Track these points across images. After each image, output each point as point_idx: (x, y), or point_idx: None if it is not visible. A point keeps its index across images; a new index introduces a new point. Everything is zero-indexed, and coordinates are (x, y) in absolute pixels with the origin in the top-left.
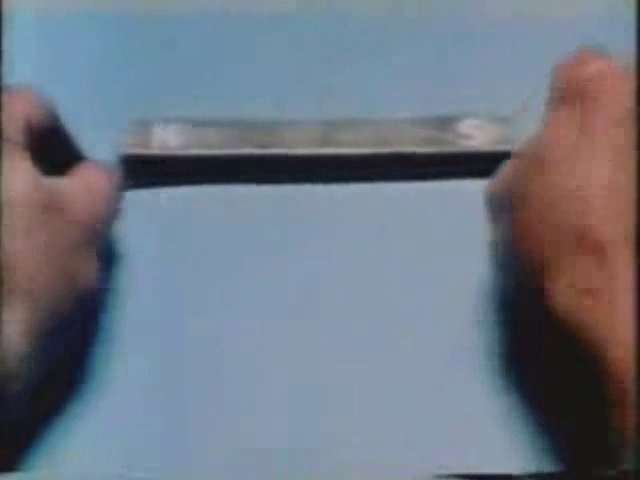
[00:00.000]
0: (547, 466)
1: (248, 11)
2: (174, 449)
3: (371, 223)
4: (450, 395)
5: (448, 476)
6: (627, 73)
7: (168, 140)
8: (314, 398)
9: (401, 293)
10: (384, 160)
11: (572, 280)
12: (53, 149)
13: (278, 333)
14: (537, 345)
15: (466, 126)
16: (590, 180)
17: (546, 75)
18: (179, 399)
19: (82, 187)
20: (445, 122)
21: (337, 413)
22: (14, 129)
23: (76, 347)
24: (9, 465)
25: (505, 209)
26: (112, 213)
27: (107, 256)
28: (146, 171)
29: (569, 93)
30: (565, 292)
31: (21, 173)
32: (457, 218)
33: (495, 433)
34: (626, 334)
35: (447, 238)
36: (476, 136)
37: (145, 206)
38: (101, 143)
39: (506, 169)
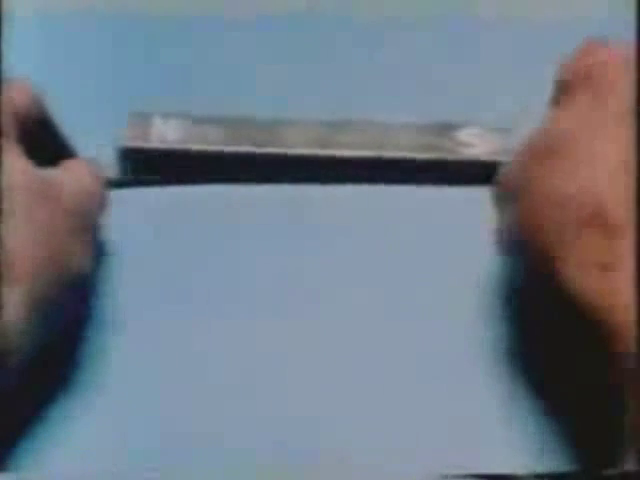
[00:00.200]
0: (552, 466)
1: (248, 11)
2: (174, 449)
3: (370, 224)
4: (453, 394)
5: (452, 476)
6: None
7: (167, 134)
8: (315, 398)
9: (399, 295)
10: (383, 163)
11: (583, 257)
12: (41, 141)
13: (277, 333)
14: (541, 342)
15: (466, 134)
16: (600, 159)
17: (547, 77)
18: (179, 399)
19: (71, 179)
20: (445, 129)
21: (339, 413)
22: (5, 119)
23: (68, 333)
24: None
25: (512, 197)
26: (100, 208)
27: (98, 248)
28: (144, 164)
29: (578, 81)
30: (576, 270)
31: (16, 160)
32: (457, 219)
33: (499, 432)
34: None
35: (447, 238)
36: (476, 144)
37: (141, 205)
38: (100, 139)
39: (513, 161)
